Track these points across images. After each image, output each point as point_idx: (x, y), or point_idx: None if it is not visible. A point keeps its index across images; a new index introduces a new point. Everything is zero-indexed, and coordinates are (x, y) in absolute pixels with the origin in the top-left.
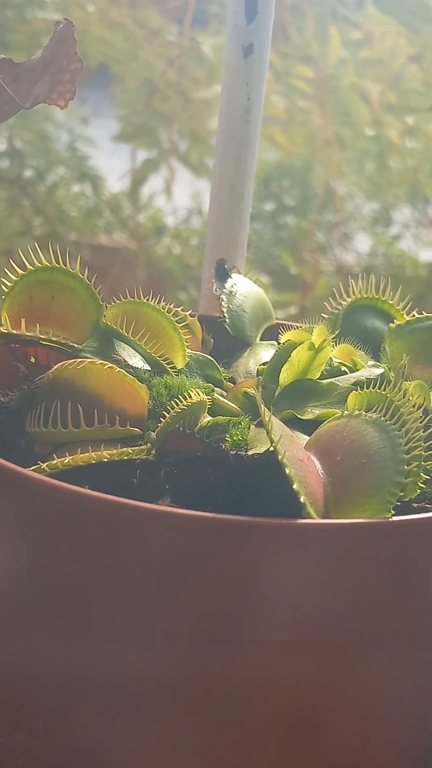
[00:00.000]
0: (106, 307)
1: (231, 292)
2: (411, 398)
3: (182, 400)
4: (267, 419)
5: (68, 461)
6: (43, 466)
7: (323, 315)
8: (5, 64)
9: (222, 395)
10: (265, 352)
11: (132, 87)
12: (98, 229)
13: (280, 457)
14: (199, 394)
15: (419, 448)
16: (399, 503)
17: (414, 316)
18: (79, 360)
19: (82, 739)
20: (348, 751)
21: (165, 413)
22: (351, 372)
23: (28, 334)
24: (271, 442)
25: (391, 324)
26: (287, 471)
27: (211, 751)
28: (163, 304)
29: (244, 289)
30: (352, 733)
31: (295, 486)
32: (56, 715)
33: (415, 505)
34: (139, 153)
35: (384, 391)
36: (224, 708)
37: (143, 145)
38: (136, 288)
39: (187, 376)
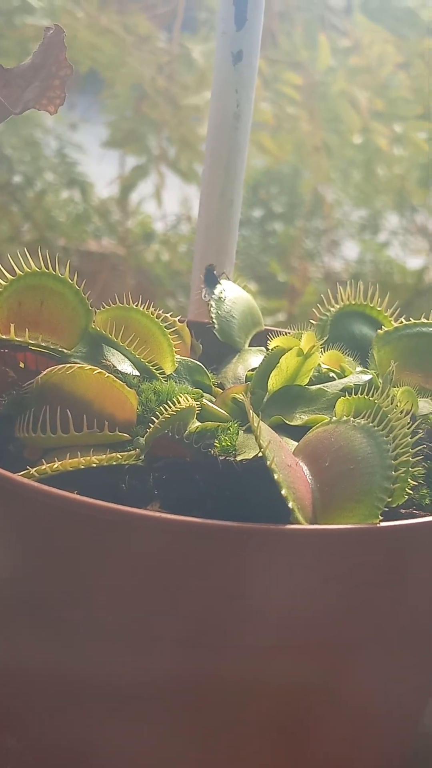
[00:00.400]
0: (96, 312)
1: (220, 298)
2: (399, 404)
3: (171, 405)
4: (256, 425)
5: (57, 466)
6: (33, 471)
7: (312, 321)
8: None
9: (211, 401)
10: (254, 358)
11: (121, 93)
12: (87, 235)
13: (268, 462)
14: (188, 400)
15: (407, 455)
16: (387, 509)
17: (402, 322)
18: (69, 365)
19: (72, 743)
20: (339, 752)
21: (154, 419)
22: (339, 378)
23: (17, 339)
24: (260, 448)
25: (379, 330)
26: (276, 476)
27: (203, 754)
28: (152, 309)
29: (233, 295)
30: (343, 734)
31: (283, 491)
32: (46, 719)
33: (402, 510)
34: (128, 159)
35: (372, 397)
36: (216, 711)
37: (132, 152)
38: (125, 294)
39: (176, 382)
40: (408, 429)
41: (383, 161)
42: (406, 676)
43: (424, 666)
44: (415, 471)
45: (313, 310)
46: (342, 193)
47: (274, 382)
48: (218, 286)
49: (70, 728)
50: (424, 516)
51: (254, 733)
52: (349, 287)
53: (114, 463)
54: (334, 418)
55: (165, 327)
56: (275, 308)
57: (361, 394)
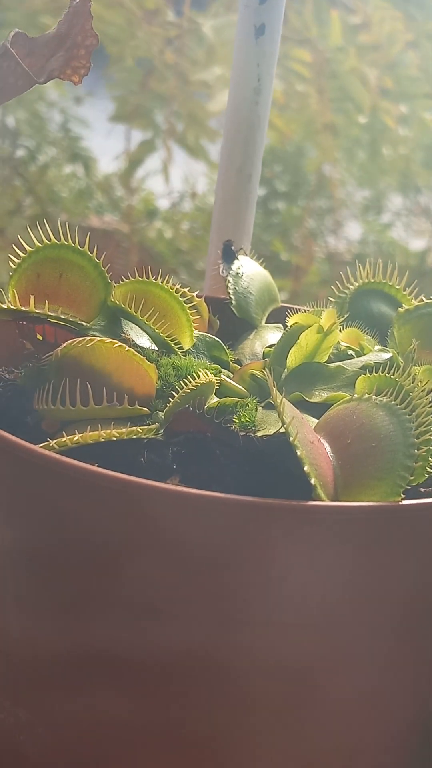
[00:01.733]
0: (114, 286)
1: (237, 273)
2: (420, 383)
3: (190, 380)
4: (279, 401)
5: (77, 439)
6: (52, 443)
7: (330, 299)
8: (19, 38)
9: (229, 377)
10: (271, 335)
11: (129, 67)
12: (89, 211)
13: (291, 438)
14: (207, 375)
15: (429, 433)
16: (408, 487)
17: (422, 300)
18: (88, 338)
19: (82, 715)
20: (347, 729)
21: (173, 393)
22: (358, 356)
23: (36, 311)
24: (283, 424)
25: (399, 309)
26: (298, 452)
27: (209, 727)
28: (171, 284)
29: (251, 271)
30: (353, 713)
31: (306, 468)
32: (57, 691)
33: (422, 489)
34: (134, 134)
35: (393, 375)
36: (225, 685)
37: (139, 126)
38: (128, 271)
39: (194, 357)
40: (430, 407)
41: (389, 141)
42: (422, 654)
43: None
44: None
45: (332, 287)
46: (346, 173)
47: (294, 358)
48: (236, 261)
49: (79, 702)
50: None
51: (262, 709)
52: (368, 265)
53: (134, 436)
54: (356, 395)
55: (184, 302)
56: (278, 287)
57: (382, 372)
